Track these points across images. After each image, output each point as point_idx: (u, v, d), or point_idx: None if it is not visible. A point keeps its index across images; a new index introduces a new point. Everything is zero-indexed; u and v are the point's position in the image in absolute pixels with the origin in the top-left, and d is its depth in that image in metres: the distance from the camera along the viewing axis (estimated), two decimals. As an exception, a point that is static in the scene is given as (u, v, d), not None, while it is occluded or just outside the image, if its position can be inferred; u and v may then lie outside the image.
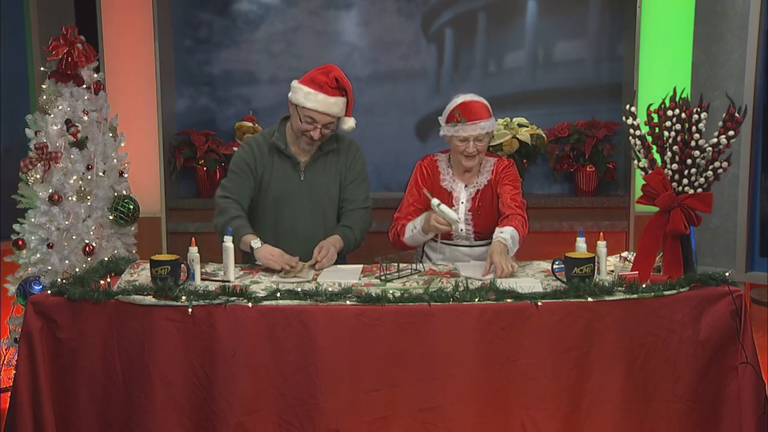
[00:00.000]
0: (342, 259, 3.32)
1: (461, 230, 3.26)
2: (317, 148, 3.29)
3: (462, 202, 3.28)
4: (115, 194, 3.91)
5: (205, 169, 4.88)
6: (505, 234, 3.02)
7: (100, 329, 2.67)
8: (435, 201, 3.02)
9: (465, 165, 3.24)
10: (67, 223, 3.72)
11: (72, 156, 3.75)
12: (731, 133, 2.75)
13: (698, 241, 3.65)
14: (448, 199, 3.27)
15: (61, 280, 2.81)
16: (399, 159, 5.01)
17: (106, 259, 3.15)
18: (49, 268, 3.69)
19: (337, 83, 3.16)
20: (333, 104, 3.15)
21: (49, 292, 2.76)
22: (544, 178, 4.94)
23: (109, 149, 3.92)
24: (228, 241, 2.90)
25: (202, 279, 2.86)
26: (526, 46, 4.92)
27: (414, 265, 3.05)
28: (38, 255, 3.69)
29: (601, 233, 2.89)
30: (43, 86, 3.83)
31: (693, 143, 2.75)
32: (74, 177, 3.74)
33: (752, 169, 4.35)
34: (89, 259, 3.71)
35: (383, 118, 5.01)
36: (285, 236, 3.25)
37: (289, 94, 3.19)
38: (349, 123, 3.24)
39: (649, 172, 2.84)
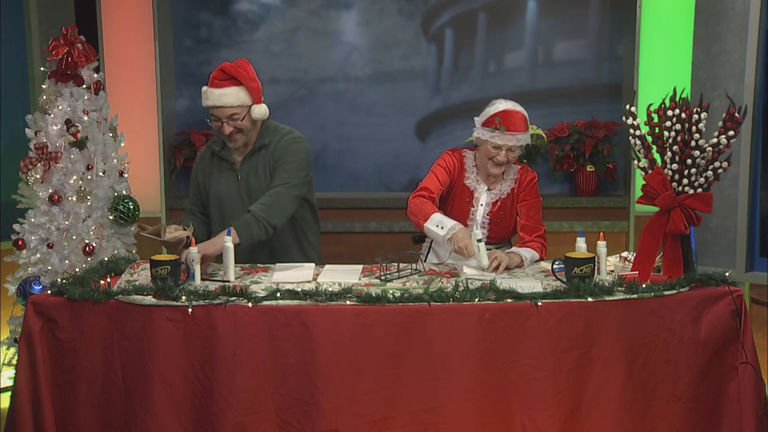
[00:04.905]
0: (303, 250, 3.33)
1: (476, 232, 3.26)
2: (251, 145, 3.27)
3: (482, 205, 3.29)
4: (115, 194, 3.91)
5: (205, 169, 4.87)
6: (523, 251, 3.12)
7: (100, 329, 2.67)
8: (478, 234, 2.95)
9: (491, 171, 3.24)
10: (67, 223, 3.71)
11: (72, 156, 3.75)
12: (731, 133, 2.75)
13: (698, 241, 3.65)
14: (469, 198, 3.28)
15: (61, 280, 2.80)
16: (399, 159, 5.01)
17: (106, 259, 3.15)
18: (49, 268, 3.69)
19: (225, 74, 3.14)
20: (222, 95, 3.13)
21: (49, 292, 2.75)
22: (544, 178, 4.93)
23: (109, 149, 3.91)
24: (228, 241, 2.90)
25: (202, 279, 2.86)
26: (526, 46, 4.92)
27: (414, 265, 3.05)
28: (38, 255, 3.69)
29: (601, 233, 2.89)
30: (43, 86, 3.83)
31: (693, 143, 2.75)
32: (74, 177, 3.74)
33: (752, 169, 4.35)
34: (89, 259, 3.71)
35: (383, 118, 5.01)
36: None
37: None
38: (258, 110, 3.17)
39: (649, 172, 2.84)
